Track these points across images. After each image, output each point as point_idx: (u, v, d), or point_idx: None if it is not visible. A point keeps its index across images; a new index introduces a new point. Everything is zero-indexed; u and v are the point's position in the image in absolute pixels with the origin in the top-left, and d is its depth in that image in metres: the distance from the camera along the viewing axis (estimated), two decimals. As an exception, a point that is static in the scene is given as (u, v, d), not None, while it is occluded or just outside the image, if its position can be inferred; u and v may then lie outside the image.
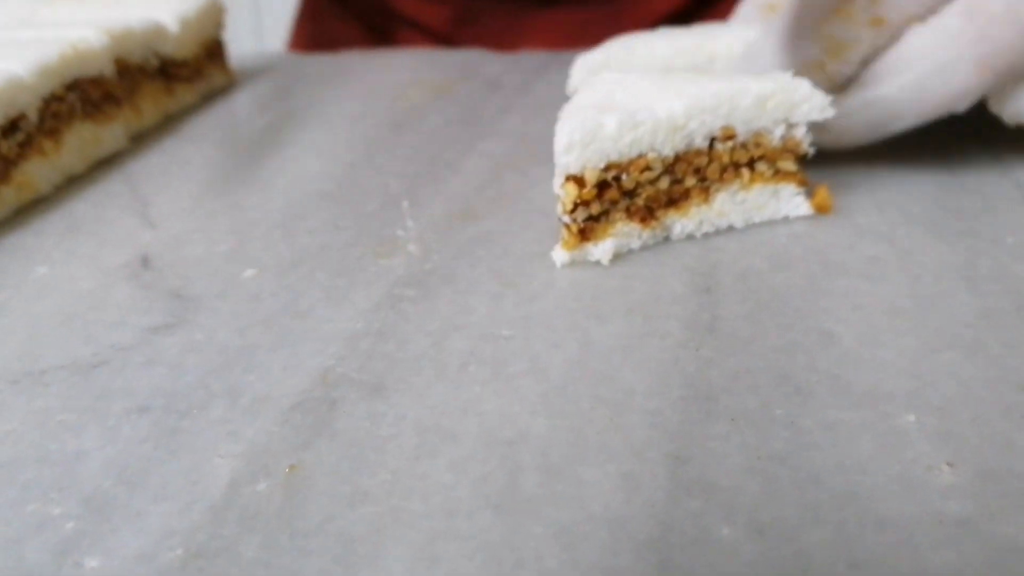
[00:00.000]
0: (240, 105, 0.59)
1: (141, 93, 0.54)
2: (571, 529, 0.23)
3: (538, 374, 0.30)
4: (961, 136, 0.46)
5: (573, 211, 0.35)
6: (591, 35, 0.71)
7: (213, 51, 0.61)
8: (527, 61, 0.64)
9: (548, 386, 0.29)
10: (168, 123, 0.56)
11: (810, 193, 0.39)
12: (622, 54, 0.42)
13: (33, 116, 0.45)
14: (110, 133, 0.50)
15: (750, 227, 0.38)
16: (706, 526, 0.23)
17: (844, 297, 0.33)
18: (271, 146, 0.51)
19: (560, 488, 0.25)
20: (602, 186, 0.35)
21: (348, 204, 0.43)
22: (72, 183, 0.47)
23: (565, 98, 0.44)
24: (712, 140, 0.36)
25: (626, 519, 0.24)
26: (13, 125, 0.44)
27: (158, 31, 0.55)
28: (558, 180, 0.35)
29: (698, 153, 0.36)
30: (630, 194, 0.36)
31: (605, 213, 0.36)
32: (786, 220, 0.39)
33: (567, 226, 0.36)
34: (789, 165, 0.38)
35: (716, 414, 0.27)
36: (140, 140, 0.53)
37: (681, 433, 0.27)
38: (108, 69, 0.50)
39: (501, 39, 0.73)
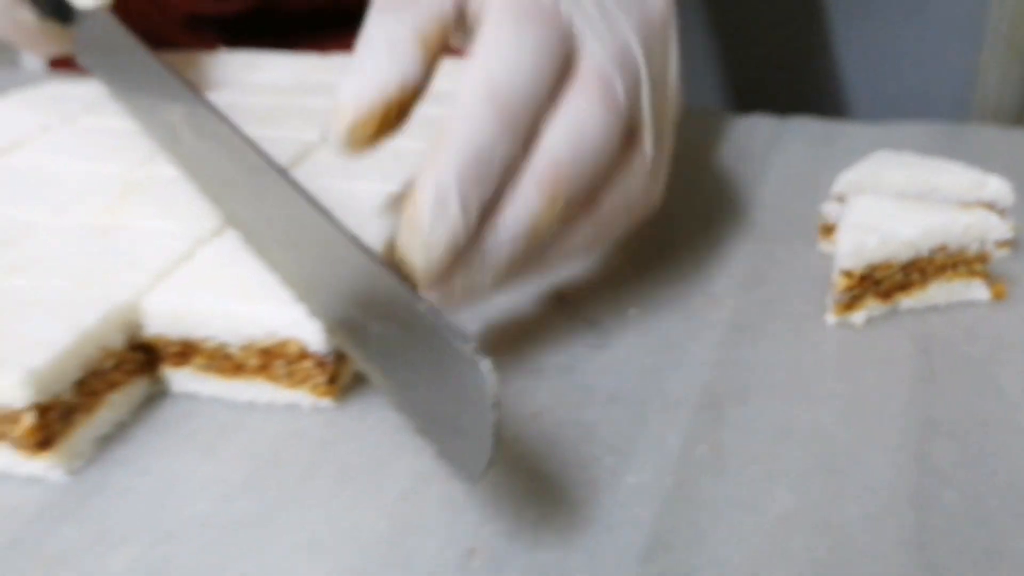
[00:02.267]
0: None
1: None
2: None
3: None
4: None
5: (844, 291, 0.56)
6: None
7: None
8: (758, 125, 0.85)
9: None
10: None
11: (991, 284, 0.59)
12: (874, 175, 0.63)
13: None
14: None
15: (950, 305, 0.59)
16: None
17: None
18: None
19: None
20: (862, 278, 0.56)
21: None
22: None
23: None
24: (932, 251, 0.57)
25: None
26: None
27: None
28: (836, 273, 0.56)
29: (922, 259, 0.57)
30: (877, 283, 0.57)
31: (861, 294, 0.57)
32: (972, 303, 0.59)
33: (838, 301, 0.57)
34: (979, 268, 0.58)
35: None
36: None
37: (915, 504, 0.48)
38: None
39: None
